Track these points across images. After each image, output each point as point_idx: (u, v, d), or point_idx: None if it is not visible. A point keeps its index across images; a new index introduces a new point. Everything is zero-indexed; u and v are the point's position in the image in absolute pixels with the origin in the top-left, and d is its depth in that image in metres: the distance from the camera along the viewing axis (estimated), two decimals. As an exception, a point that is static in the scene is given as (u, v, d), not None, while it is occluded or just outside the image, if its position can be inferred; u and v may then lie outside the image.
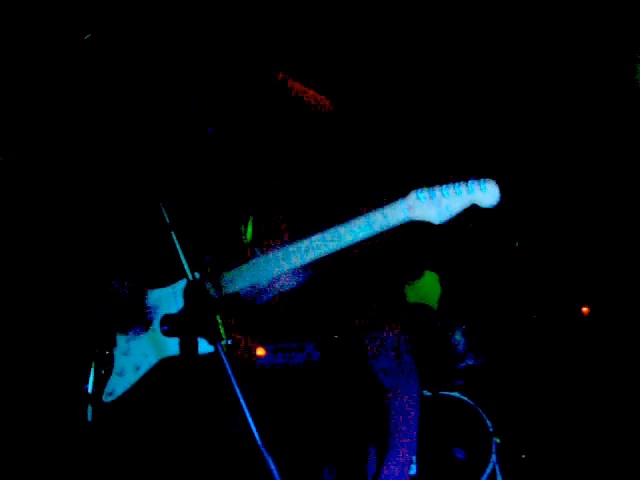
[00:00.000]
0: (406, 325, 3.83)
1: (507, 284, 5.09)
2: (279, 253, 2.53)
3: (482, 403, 4.41)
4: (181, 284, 2.58)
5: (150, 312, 2.56)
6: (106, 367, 2.47)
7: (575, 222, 5.36)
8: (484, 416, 4.35)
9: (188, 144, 3.05)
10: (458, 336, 4.64)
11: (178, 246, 2.09)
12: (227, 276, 2.55)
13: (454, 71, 4.87)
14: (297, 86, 3.26)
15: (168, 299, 2.56)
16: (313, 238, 2.48)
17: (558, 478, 4.43)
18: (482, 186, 2.39)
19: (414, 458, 3.68)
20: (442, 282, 4.47)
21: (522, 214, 5.29)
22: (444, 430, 4.35)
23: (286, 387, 3.75)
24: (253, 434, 1.90)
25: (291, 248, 2.49)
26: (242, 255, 2.77)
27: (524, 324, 5.01)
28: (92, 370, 2.45)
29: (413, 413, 3.65)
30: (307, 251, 2.47)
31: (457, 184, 2.40)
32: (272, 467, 1.88)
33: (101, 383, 2.45)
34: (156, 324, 2.55)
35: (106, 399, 2.43)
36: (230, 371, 1.94)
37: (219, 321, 2.05)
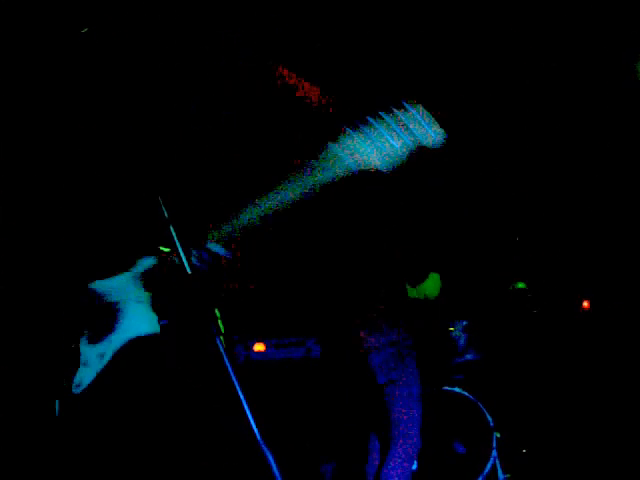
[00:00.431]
0: (407, 320, 3.82)
1: (507, 280, 5.08)
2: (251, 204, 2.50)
3: (483, 398, 4.41)
4: (139, 267, 2.57)
5: (112, 298, 2.56)
6: (73, 360, 2.49)
7: (575, 218, 5.35)
8: (485, 411, 4.35)
9: (187, 140, 3.05)
10: (458, 331, 4.63)
11: (176, 240, 2.09)
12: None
13: (454, 69, 4.87)
14: (296, 82, 3.26)
15: (129, 283, 2.56)
16: (261, 198, 2.43)
17: (558, 472, 4.43)
18: (428, 128, 2.29)
19: (416, 454, 3.67)
20: (443, 278, 4.46)
21: (522, 210, 5.29)
22: (445, 425, 4.35)
23: (286, 382, 3.75)
24: (252, 430, 1.90)
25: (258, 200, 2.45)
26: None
27: (524, 319, 5.00)
28: (60, 365, 2.47)
29: (414, 409, 3.64)
30: (255, 208, 2.45)
31: (390, 116, 2.28)
32: (272, 463, 1.88)
33: (70, 376, 2.47)
34: (119, 307, 2.55)
35: (75, 390, 2.43)
36: (229, 366, 1.93)
37: (218, 315, 2.05)
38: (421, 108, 2.25)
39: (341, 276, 3.72)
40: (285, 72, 3.23)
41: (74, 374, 2.42)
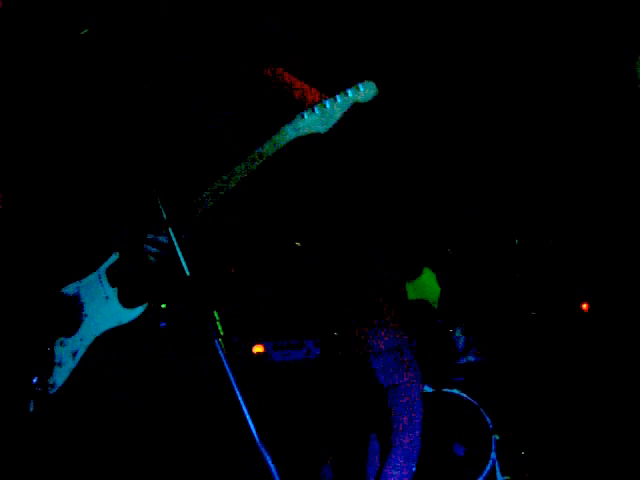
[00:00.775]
0: (407, 322, 3.82)
1: (507, 281, 5.08)
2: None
3: (482, 400, 4.41)
4: (104, 265, 2.60)
5: (80, 299, 2.59)
6: (47, 361, 2.50)
7: (574, 219, 5.35)
8: (484, 413, 4.35)
9: (185, 141, 3.04)
10: (458, 333, 4.63)
11: (175, 239, 2.08)
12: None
13: (453, 70, 4.87)
14: (294, 81, 3.26)
15: (96, 283, 2.59)
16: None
17: (557, 475, 4.43)
18: (360, 86, 2.47)
19: (417, 456, 3.67)
20: (442, 280, 4.46)
21: (522, 212, 5.29)
22: (444, 427, 4.34)
23: (285, 384, 3.75)
24: (251, 432, 1.89)
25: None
26: None
27: (524, 321, 5.00)
28: (34, 367, 2.48)
29: (415, 412, 3.64)
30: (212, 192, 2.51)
31: (339, 93, 2.47)
32: (271, 465, 1.87)
33: (45, 377, 2.49)
34: (88, 306, 2.57)
35: (50, 391, 2.45)
36: (228, 368, 1.93)
37: (216, 317, 2.04)
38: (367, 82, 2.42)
39: (341, 278, 3.72)
40: (284, 74, 3.23)
41: (49, 376, 2.45)
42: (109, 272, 2.57)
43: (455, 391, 4.45)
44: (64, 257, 2.67)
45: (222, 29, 3.32)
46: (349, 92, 2.49)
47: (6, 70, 2.70)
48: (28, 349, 2.48)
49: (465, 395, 4.42)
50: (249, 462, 1.93)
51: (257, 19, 3.58)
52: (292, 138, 2.50)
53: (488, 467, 4.21)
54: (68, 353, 2.48)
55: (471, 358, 4.71)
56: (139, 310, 2.51)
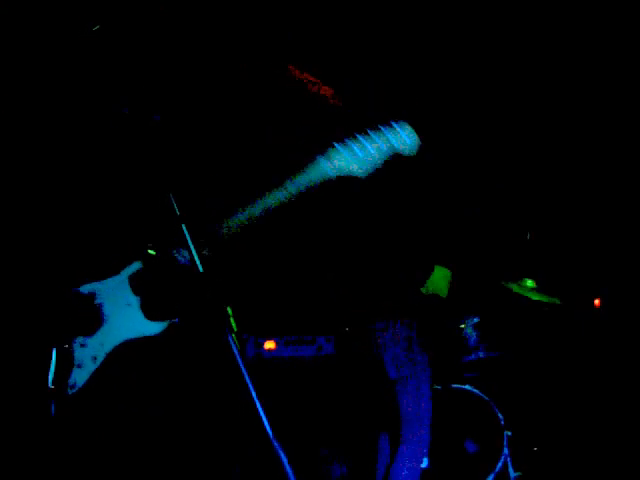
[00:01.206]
0: (418, 316, 3.82)
1: (518, 277, 5.06)
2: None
3: (493, 396, 4.40)
4: (127, 271, 2.59)
5: (103, 302, 2.57)
6: (66, 361, 2.50)
7: (587, 215, 5.33)
8: (495, 409, 4.34)
9: (196, 140, 3.05)
10: (469, 329, 4.62)
11: (188, 237, 2.08)
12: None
13: (457, 68, 4.86)
14: (308, 81, 3.25)
15: (119, 287, 2.58)
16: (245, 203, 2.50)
17: (570, 471, 4.42)
18: (400, 129, 2.42)
19: (426, 451, 3.66)
20: (453, 276, 4.44)
21: (534, 206, 5.27)
22: (456, 423, 4.33)
23: (297, 380, 3.75)
24: (265, 427, 1.89)
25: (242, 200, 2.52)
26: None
27: (536, 317, 4.98)
28: (52, 365, 2.47)
29: (425, 406, 3.64)
30: (238, 214, 2.50)
31: (372, 131, 2.43)
32: (284, 460, 1.87)
33: (64, 377, 2.48)
34: (110, 311, 2.56)
35: (69, 392, 2.45)
36: (241, 364, 1.93)
37: (230, 313, 2.04)
38: (406, 125, 2.40)
39: (352, 271, 3.72)
40: (297, 71, 3.23)
41: (68, 376, 2.45)
42: (132, 279, 2.57)
43: (467, 387, 4.44)
44: (83, 255, 2.67)
45: (225, 28, 3.32)
46: (390, 137, 2.43)
47: (15, 70, 2.71)
48: (45, 345, 2.49)
49: (477, 391, 4.41)
50: (262, 459, 1.93)
51: (266, 16, 3.58)
52: (328, 176, 2.46)
53: (500, 463, 4.20)
54: (88, 357, 2.48)
55: (481, 354, 4.69)
56: (161, 325, 2.49)
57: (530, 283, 4.65)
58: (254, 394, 1.92)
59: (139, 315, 2.51)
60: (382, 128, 2.43)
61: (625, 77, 4.87)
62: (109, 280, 2.59)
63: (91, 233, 2.72)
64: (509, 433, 4.29)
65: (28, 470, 2.53)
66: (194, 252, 2.07)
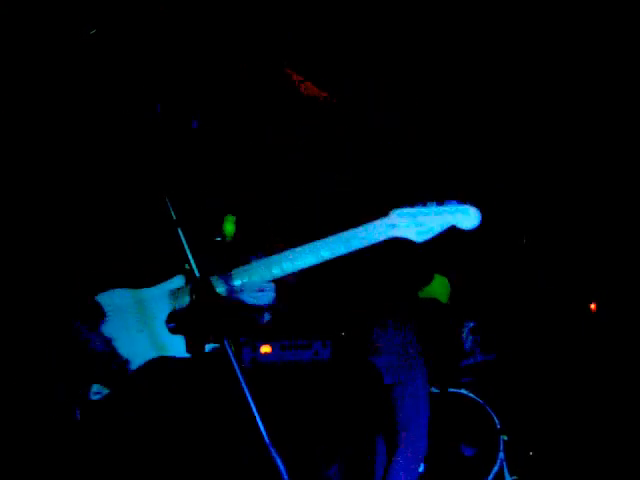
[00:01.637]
0: (415, 320, 3.82)
1: (514, 281, 5.07)
2: (268, 260, 2.55)
3: (490, 400, 4.40)
4: (168, 284, 2.56)
5: (136, 313, 2.55)
6: (91, 366, 2.48)
7: (582, 219, 5.33)
8: (492, 413, 4.34)
9: (191, 142, 3.05)
10: (466, 333, 4.62)
11: (184, 242, 2.08)
12: (218, 276, 2.54)
13: (455, 75, 4.86)
14: (307, 82, 3.26)
15: (156, 299, 2.55)
16: (298, 249, 2.52)
17: (565, 475, 4.42)
18: (463, 210, 2.48)
19: (422, 457, 3.66)
20: (450, 281, 4.45)
21: (529, 211, 5.28)
22: (452, 427, 4.34)
23: (293, 384, 3.74)
24: (260, 432, 1.89)
25: (277, 257, 2.54)
26: (227, 256, 2.78)
27: (531, 321, 4.99)
28: (78, 369, 2.46)
29: (421, 410, 3.64)
30: (291, 261, 2.52)
31: (438, 206, 2.49)
32: (280, 465, 1.88)
33: (87, 382, 2.46)
34: (143, 324, 2.54)
35: (93, 397, 2.43)
36: (237, 368, 1.93)
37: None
38: (472, 208, 2.45)
39: (348, 277, 3.72)
40: (294, 74, 3.24)
41: (94, 381, 2.42)
42: (173, 294, 2.54)
43: (463, 391, 4.44)
44: (120, 260, 2.64)
45: (225, 28, 3.32)
46: (453, 212, 2.51)
47: (17, 69, 2.71)
48: (71, 348, 2.46)
49: (473, 395, 4.42)
50: (258, 463, 1.94)
51: (264, 18, 3.59)
52: (387, 237, 2.51)
53: (496, 467, 4.20)
54: (119, 366, 2.45)
55: (477, 358, 4.70)
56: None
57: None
58: (250, 398, 1.92)
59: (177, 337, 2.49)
60: (449, 205, 2.52)
61: (625, 77, 4.87)
62: (148, 290, 2.55)
63: (134, 239, 2.70)
64: (505, 437, 4.29)
65: (49, 471, 2.52)
66: (190, 257, 2.07)
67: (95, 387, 2.42)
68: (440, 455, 4.17)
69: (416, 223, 2.50)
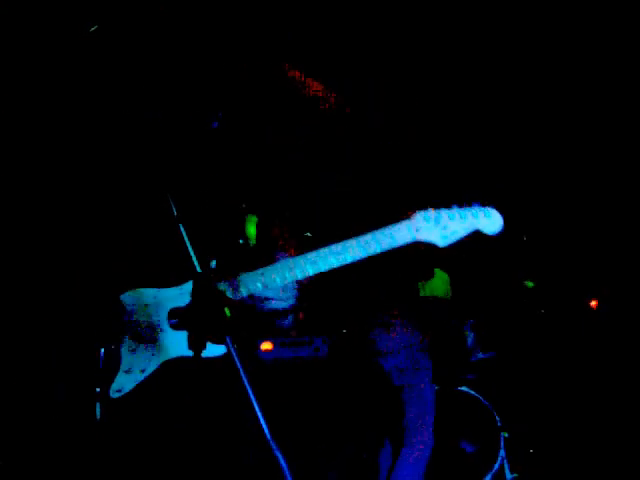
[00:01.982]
0: (419, 321, 3.81)
1: (515, 278, 5.07)
2: (289, 262, 2.55)
3: (490, 397, 4.40)
4: (188, 286, 2.55)
5: (157, 312, 2.54)
6: (112, 363, 2.46)
7: (582, 216, 5.34)
8: (492, 410, 4.34)
9: (197, 140, 3.04)
10: (466, 330, 4.62)
11: (186, 239, 2.07)
12: (241, 278, 2.54)
13: (453, 71, 4.86)
14: (308, 81, 3.25)
15: (176, 300, 2.54)
16: (320, 251, 2.52)
17: (566, 473, 4.42)
18: (486, 213, 2.49)
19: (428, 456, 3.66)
20: (451, 278, 4.44)
21: (530, 208, 5.28)
22: (453, 424, 4.33)
23: (295, 382, 3.74)
24: (263, 430, 1.89)
25: (300, 259, 2.53)
26: (250, 258, 2.78)
27: (532, 318, 4.99)
28: (100, 365, 2.45)
29: (428, 411, 3.63)
30: (314, 263, 2.52)
31: (462, 209, 2.49)
32: (282, 463, 1.87)
33: (108, 380, 2.45)
34: (164, 324, 2.53)
35: (113, 395, 2.42)
36: (239, 366, 1.93)
37: (227, 314, 2.03)
38: (495, 213, 2.46)
39: (353, 278, 3.71)
40: (296, 73, 3.23)
41: (113, 379, 2.41)
42: (194, 286, 2.50)
43: (464, 388, 4.44)
44: (142, 260, 2.63)
45: (225, 28, 3.32)
46: (477, 215, 2.53)
47: (23, 68, 2.71)
48: (95, 345, 2.44)
49: (474, 392, 4.41)
50: (261, 460, 1.93)
51: (269, 17, 3.58)
52: (412, 240, 2.52)
53: (497, 465, 4.20)
54: (137, 367, 2.44)
55: (478, 355, 4.70)
56: (219, 349, 2.45)
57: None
58: (252, 395, 1.92)
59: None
60: (472, 208, 2.54)
61: (625, 77, 4.87)
62: (169, 290, 2.54)
63: (157, 238, 2.69)
64: (506, 434, 4.29)
65: (70, 470, 2.51)
66: (192, 253, 2.07)
67: (115, 385, 2.42)
68: (441, 452, 4.16)
69: (440, 227, 2.51)
